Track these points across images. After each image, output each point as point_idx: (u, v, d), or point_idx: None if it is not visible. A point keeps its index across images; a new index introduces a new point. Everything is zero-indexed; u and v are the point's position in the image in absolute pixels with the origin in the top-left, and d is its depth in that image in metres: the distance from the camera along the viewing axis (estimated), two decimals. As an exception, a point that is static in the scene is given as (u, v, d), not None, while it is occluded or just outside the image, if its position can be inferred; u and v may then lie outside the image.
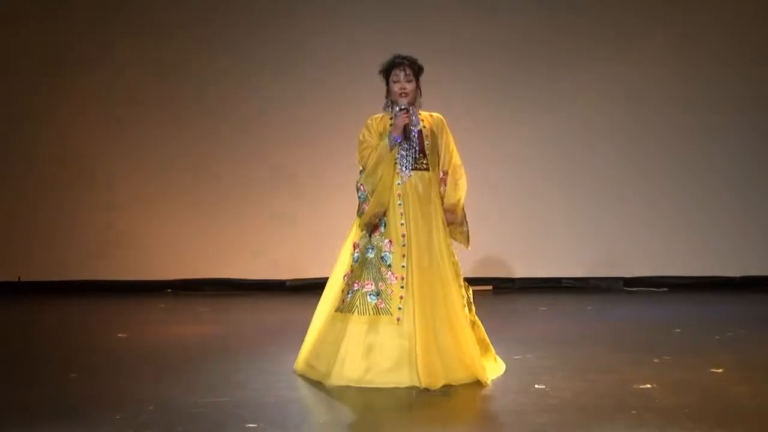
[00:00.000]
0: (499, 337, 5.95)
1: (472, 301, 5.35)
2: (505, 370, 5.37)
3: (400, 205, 5.16)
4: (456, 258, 5.28)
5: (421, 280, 5.04)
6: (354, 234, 5.29)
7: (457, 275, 5.22)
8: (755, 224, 9.33)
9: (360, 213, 5.24)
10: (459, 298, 5.14)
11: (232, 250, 9.43)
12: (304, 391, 5.07)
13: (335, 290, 5.27)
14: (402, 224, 5.12)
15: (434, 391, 4.91)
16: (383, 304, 5.04)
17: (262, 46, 9.39)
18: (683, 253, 9.33)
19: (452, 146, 5.33)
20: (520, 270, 9.48)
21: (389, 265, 5.09)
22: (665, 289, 9.24)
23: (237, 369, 5.54)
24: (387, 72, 5.23)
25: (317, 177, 9.36)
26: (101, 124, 9.41)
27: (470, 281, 5.44)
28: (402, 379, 4.96)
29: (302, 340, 5.42)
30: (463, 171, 5.34)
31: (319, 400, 4.91)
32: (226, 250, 9.43)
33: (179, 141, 9.44)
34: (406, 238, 5.11)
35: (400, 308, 5.02)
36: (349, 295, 5.11)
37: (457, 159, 5.32)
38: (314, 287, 8.82)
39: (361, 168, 5.24)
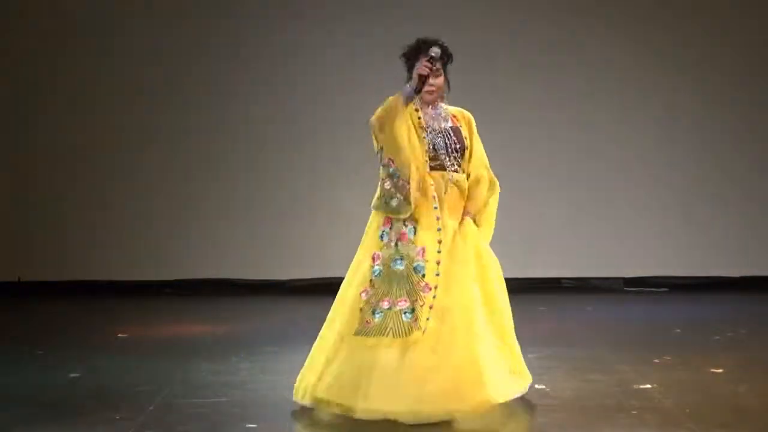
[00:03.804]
0: (499, 337, 5.94)
1: None
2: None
3: (435, 208, 4.54)
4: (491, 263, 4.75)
5: (453, 288, 4.47)
6: (370, 243, 4.61)
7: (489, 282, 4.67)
8: (756, 224, 9.32)
9: (390, 196, 4.52)
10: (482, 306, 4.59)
11: (233, 250, 9.41)
12: (304, 391, 5.06)
13: (348, 309, 4.55)
14: (439, 230, 4.51)
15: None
16: (416, 321, 4.39)
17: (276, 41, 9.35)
18: (683, 253, 9.32)
19: (480, 150, 4.76)
20: (520, 270, 9.45)
21: (423, 276, 4.46)
22: (665, 289, 9.24)
23: (237, 369, 5.54)
24: (411, 59, 4.58)
25: (318, 176, 9.33)
26: (101, 123, 9.39)
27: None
28: (455, 406, 4.35)
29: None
30: (495, 183, 4.77)
31: (319, 400, 4.90)
32: (227, 250, 9.41)
33: (178, 142, 9.41)
34: (442, 244, 4.50)
35: (428, 319, 4.40)
36: (377, 316, 4.43)
37: (485, 166, 4.73)
38: (315, 287, 8.85)
39: (375, 137, 4.57)
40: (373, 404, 4.32)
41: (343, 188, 9.01)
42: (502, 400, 4.46)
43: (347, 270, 4.72)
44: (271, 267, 9.42)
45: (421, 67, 4.44)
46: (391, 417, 4.31)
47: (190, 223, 9.39)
